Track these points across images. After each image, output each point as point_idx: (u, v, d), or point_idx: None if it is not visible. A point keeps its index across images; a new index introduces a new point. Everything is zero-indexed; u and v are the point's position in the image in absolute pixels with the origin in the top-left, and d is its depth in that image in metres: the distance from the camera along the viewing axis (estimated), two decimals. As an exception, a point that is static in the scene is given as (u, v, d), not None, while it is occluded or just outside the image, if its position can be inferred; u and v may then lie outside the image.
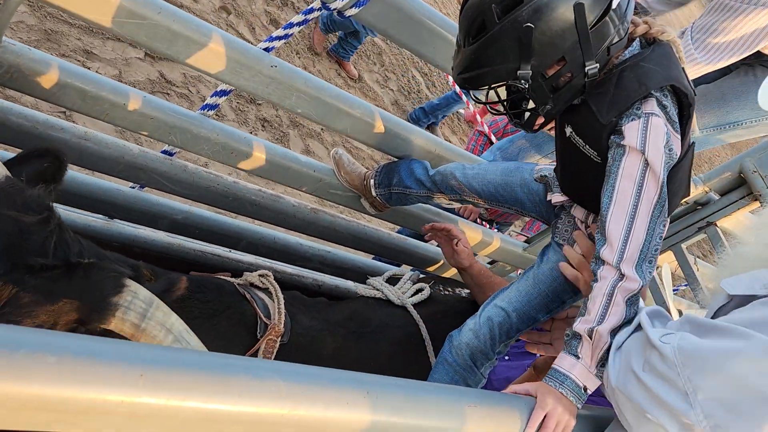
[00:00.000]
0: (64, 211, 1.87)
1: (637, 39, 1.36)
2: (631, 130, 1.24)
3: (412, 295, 2.07)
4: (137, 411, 0.67)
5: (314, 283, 2.51)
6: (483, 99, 1.41)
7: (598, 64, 1.28)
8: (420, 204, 2.26)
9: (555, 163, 1.63)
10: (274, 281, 1.75)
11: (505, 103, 1.39)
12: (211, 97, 1.85)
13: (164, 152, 1.93)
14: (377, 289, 2.07)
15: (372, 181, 2.07)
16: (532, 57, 1.25)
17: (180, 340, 1.16)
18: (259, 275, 1.75)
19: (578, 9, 1.22)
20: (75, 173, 1.97)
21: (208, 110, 1.85)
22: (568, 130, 1.40)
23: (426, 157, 2.09)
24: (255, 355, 1.62)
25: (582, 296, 1.43)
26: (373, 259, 2.95)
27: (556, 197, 1.58)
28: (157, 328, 1.12)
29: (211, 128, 1.84)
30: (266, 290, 1.75)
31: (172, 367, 0.69)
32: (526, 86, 1.29)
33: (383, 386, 0.88)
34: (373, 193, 2.07)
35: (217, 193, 2.04)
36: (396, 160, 2.10)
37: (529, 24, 1.22)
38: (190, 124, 1.79)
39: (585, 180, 1.42)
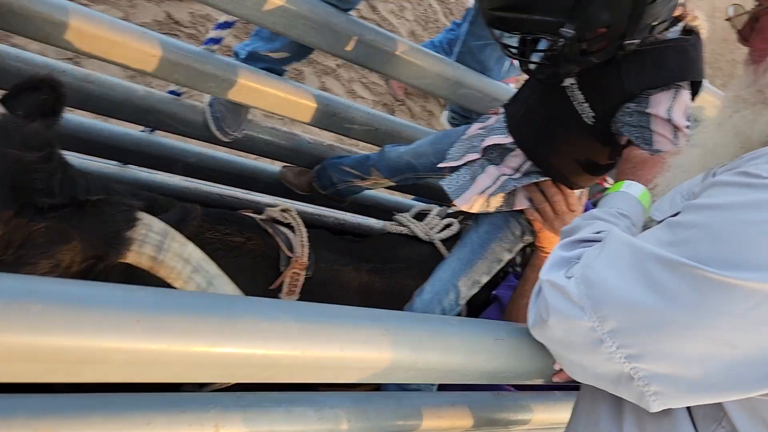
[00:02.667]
0: (75, 158, 1.83)
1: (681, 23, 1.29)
2: (659, 103, 1.23)
3: (441, 231, 2.00)
4: (137, 358, 0.62)
5: (336, 222, 2.46)
6: (506, 41, 1.31)
7: (636, 41, 1.22)
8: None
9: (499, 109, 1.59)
10: (297, 215, 1.71)
11: (526, 51, 1.30)
12: (214, 30, 1.75)
13: (171, 92, 1.85)
14: (404, 225, 2.02)
15: (316, 185, 2.06)
16: (581, 17, 1.16)
17: (199, 269, 1.15)
18: (281, 210, 1.70)
19: None
20: (82, 119, 1.91)
21: (212, 44, 1.75)
22: (569, 82, 1.33)
23: (443, 83, 1.98)
24: (279, 289, 1.59)
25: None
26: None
27: (496, 139, 1.51)
28: (175, 259, 1.11)
29: (217, 64, 1.75)
30: (289, 225, 1.71)
31: (172, 311, 0.64)
32: (560, 44, 1.20)
33: (401, 322, 0.83)
34: (324, 194, 2.07)
35: (228, 133, 1.97)
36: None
37: None
38: (194, 61, 1.70)
39: (553, 132, 1.41)
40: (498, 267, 1.65)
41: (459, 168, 1.60)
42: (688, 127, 1.24)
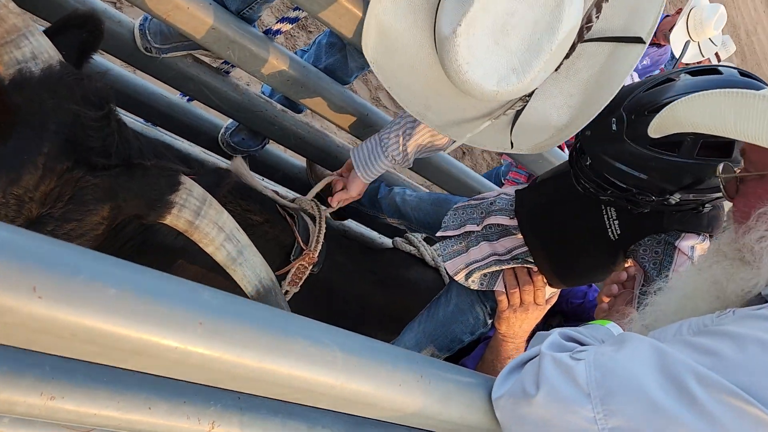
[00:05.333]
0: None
1: None
2: (688, 241, 1.28)
3: (448, 260, 2.00)
4: (188, 359, 0.61)
5: (340, 227, 2.45)
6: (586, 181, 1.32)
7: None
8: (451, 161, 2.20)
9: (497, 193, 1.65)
10: (323, 208, 1.71)
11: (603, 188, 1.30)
12: (278, 22, 1.74)
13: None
14: (414, 246, 2.02)
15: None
16: (691, 191, 1.19)
17: (231, 238, 1.17)
18: (312, 200, 1.74)
19: None
20: (122, 71, 1.88)
21: (272, 35, 1.74)
22: (606, 197, 1.33)
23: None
24: (284, 277, 1.61)
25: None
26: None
27: (501, 219, 1.56)
28: (210, 225, 1.13)
29: (273, 51, 1.73)
30: (311, 215, 1.71)
31: (232, 318, 0.63)
32: (652, 200, 1.22)
33: (436, 371, 0.82)
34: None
35: (263, 119, 1.95)
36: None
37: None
38: (252, 43, 1.68)
39: (571, 235, 1.44)
40: (459, 346, 1.73)
41: (454, 236, 1.68)
42: None
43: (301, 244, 1.63)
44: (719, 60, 4.72)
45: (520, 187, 1.64)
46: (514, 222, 1.55)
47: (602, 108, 1.14)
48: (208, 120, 2.03)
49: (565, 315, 2.01)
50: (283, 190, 2.32)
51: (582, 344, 0.88)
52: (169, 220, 1.11)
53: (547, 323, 1.84)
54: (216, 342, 0.61)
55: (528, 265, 1.55)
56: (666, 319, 0.91)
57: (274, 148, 2.24)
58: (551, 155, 2.07)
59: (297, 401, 0.73)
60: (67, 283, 0.52)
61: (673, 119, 0.89)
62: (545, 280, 1.53)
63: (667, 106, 0.91)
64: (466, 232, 1.66)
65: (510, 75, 1.02)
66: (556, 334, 0.89)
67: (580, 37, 1.09)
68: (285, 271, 1.62)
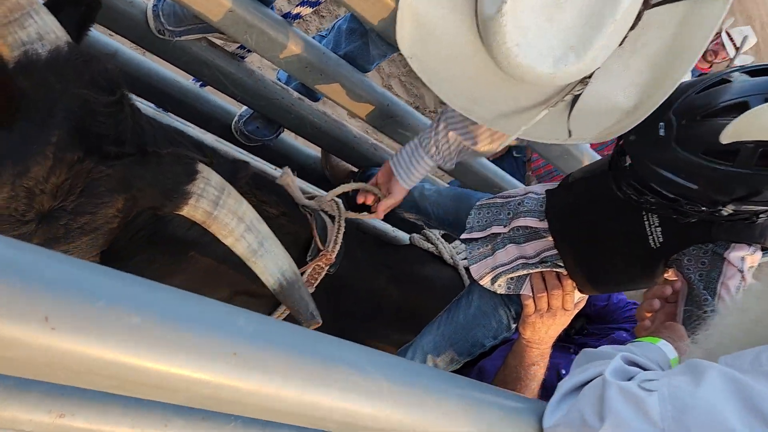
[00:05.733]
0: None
1: None
2: (737, 251, 1.18)
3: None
4: (220, 394, 0.53)
5: (353, 220, 2.37)
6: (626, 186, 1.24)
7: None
8: (481, 162, 2.11)
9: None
10: (342, 207, 1.64)
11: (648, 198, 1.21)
12: (298, 6, 1.65)
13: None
14: (432, 243, 1.94)
15: (352, 180, 1.97)
16: (744, 202, 1.09)
17: (252, 228, 1.11)
18: (331, 200, 1.68)
19: None
20: (132, 53, 1.79)
21: (291, 19, 1.65)
22: (647, 204, 1.25)
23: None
24: None
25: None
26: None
27: (530, 221, 1.46)
28: (229, 216, 1.07)
29: (292, 36, 1.64)
30: (330, 214, 1.63)
31: (270, 346, 0.55)
32: (702, 211, 1.13)
33: (483, 395, 0.74)
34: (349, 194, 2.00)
35: (279, 107, 1.87)
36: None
37: None
38: (271, 27, 1.59)
39: (608, 240, 1.35)
40: (481, 350, 1.65)
41: (480, 238, 1.58)
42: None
43: (319, 244, 1.56)
44: (737, 50, 4.61)
45: (550, 186, 1.54)
46: (544, 224, 1.45)
47: (678, 84, 1.02)
48: (222, 107, 1.95)
49: (588, 317, 1.94)
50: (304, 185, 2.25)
51: (643, 368, 0.80)
52: (186, 211, 1.04)
53: (571, 326, 1.76)
54: (253, 374, 0.53)
55: (557, 269, 1.47)
56: (733, 345, 0.82)
57: (288, 137, 2.16)
58: (578, 150, 1.99)
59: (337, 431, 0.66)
60: (83, 311, 0.44)
61: (758, 125, 0.80)
62: (575, 285, 1.45)
63: (750, 111, 0.82)
64: (492, 234, 1.57)
65: (568, 54, 0.91)
66: (619, 359, 0.80)
67: (646, 4, 0.96)
68: (301, 272, 1.55)
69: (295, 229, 1.56)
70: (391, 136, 1.97)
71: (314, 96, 1.97)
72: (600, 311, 1.92)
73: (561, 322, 1.47)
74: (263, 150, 2.10)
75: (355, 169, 2.08)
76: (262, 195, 1.49)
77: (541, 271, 1.46)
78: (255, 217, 1.12)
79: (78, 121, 0.89)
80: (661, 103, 1.01)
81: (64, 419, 0.77)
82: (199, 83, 1.90)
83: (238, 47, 1.74)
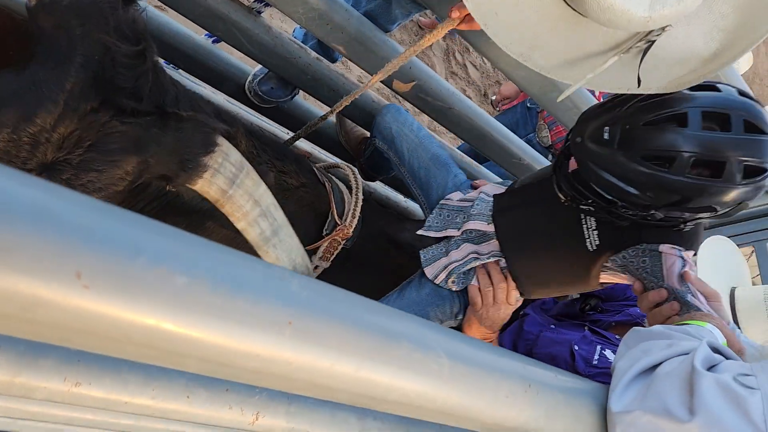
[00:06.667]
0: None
1: None
2: (668, 248, 1.25)
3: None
4: (269, 368, 0.46)
5: (365, 189, 2.30)
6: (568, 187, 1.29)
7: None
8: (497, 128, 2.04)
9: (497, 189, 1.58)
10: (359, 177, 1.57)
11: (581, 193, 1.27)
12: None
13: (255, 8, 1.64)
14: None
15: (364, 149, 1.95)
16: (674, 209, 1.15)
17: (267, 214, 1.04)
18: (348, 165, 1.61)
19: None
20: (146, 5, 1.69)
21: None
22: (586, 207, 1.30)
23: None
24: (315, 251, 1.51)
25: None
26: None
27: (477, 225, 1.50)
28: (245, 197, 0.99)
29: (316, -8, 1.54)
30: (348, 184, 1.56)
31: (328, 317, 0.48)
32: (635, 214, 1.20)
33: (545, 378, 0.68)
34: (362, 162, 1.98)
35: (296, 66, 1.77)
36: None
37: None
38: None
39: (546, 243, 1.41)
40: None
41: (435, 239, 1.61)
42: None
43: (336, 218, 1.50)
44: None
45: (498, 191, 1.57)
46: (492, 228, 1.49)
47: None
48: (235, 65, 1.85)
49: (601, 298, 1.91)
50: (308, 146, 2.16)
51: (726, 357, 0.73)
52: (200, 185, 0.96)
53: (585, 303, 1.74)
54: (308, 346, 0.46)
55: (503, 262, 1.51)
56: None
57: (302, 99, 2.06)
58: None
59: (384, 411, 0.59)
60: (122, 268, 0.37)
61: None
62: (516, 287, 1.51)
63: None
64: (446, 237, 1.59)
65: None
66: (706, 346, 0.73)
67: None
68: (317, 246, 1.49)
69: (313, 201, 1.50)
70: (411, 101, 1.88)
71: (332, 56, 1.88)
72: (610, 292, 1.89)
73: (503, 315, 1.52)
74: (276, 112, 2.01)
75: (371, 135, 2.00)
76: (282, 165, 1.42)
77: (486, 265, 1.51)
78: (272, 202, 1.05)
79: (96, 70, 0.81)
80: (747, 52, 0.95)
81: (80, 388, 0.71)
82: (213, 39, 1.80)
83: (254, 1, 1.64)
